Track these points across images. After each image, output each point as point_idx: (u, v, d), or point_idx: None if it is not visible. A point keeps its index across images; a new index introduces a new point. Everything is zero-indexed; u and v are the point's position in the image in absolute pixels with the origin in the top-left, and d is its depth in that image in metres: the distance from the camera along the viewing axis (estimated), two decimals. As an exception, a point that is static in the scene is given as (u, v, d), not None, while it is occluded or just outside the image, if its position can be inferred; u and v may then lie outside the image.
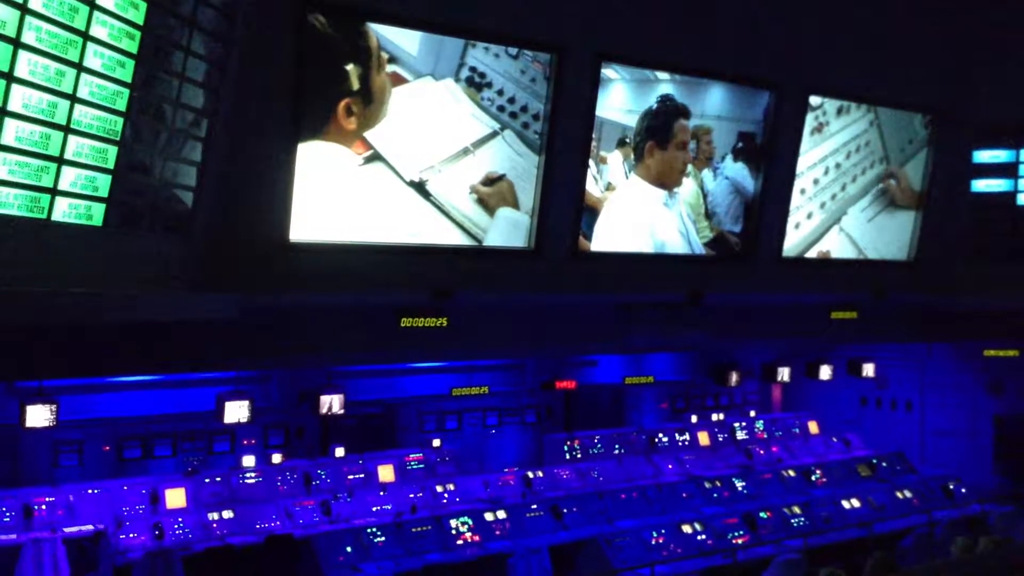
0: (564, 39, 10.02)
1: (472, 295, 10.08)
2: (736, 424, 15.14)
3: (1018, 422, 15.13)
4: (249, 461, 11.67)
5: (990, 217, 13.80)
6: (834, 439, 15.55)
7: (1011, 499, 13.34)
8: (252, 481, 11.22)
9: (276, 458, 11.80)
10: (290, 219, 8.90)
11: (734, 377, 14.28)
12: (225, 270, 8.42)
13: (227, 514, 10.58)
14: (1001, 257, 13.74)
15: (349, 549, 9.96)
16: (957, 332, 14.61)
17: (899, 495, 12.91)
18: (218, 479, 11.05)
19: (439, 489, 11.85)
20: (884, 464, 14.33)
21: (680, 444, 14.37)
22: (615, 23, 10.33)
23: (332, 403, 11.02)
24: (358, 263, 9.46)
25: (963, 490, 13.27)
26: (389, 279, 9.66)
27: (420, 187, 9.64)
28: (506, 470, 12.93)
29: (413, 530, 10.41)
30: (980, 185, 13.81)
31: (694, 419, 15.19)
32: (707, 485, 12.72)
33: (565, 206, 10.57)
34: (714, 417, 15.45)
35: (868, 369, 15.18)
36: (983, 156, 13.78)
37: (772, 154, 12.00)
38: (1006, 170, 13.73)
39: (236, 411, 10.50)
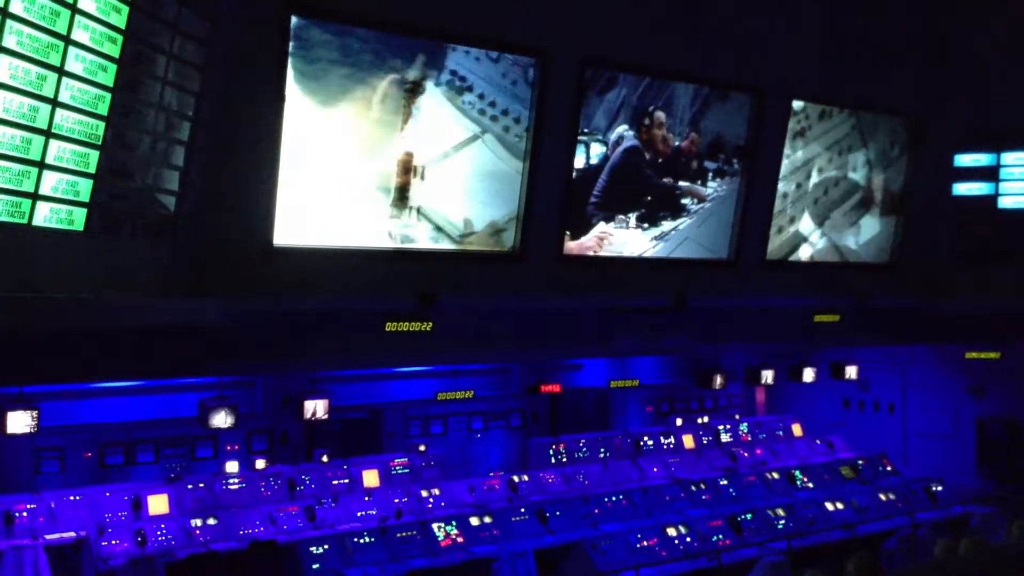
0: (547, 43, 10.03)
1: (457, 299, 10.08)
2: (720, 427, 15.18)
3: (1000, 424, 15.25)
4: (232, 467, 11.61)
5: (971, 220, 13.91)
6: (817, 441, 15.62)
7: (993, 500, 13.43)
8: (236, 487, 11.16)
9: (260, 464, 11.75)
10: (274, 223, 8.87)
11: (718, 380, 14.32)
12: (208, 275, 8.38)
13: (210, 520, 10.52)
14: (982, 260, 13.84)
15: (333, 555, 9.92)
16: (939, 335, 14.71)
17: (882, 497, 12.98)
18: (201, 485, 10.99)
19: (424, 494, 11.82)
20: (867, 466, 14.41)
21: (665, 447, 14.41)
22: (598, 27, 10.36)
23: (316, 408, 10.98)
24: (342, 267, 9.44)
25: (945, 492, 13.35)
26: (374, 283, 9.64)
27: (401, 191, 9.64)
28: (491, 474, 12.93)
29: (398, 535, 10.39)
30: (961, 188, 13.91)
31: (679, 422, 15.23)
32: (692, 488, 12.75)
33: (549, 209, 10.59)
34: (699, 420, 15.50)
35: (851, 372, 15.26)
36: (964, 160, 13.89)
37: (755, 158, 12.06)
38: (987, 173, 13.84)
39: (219, 417, 10.45)
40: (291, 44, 8.56)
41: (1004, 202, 13.80)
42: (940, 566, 6.97)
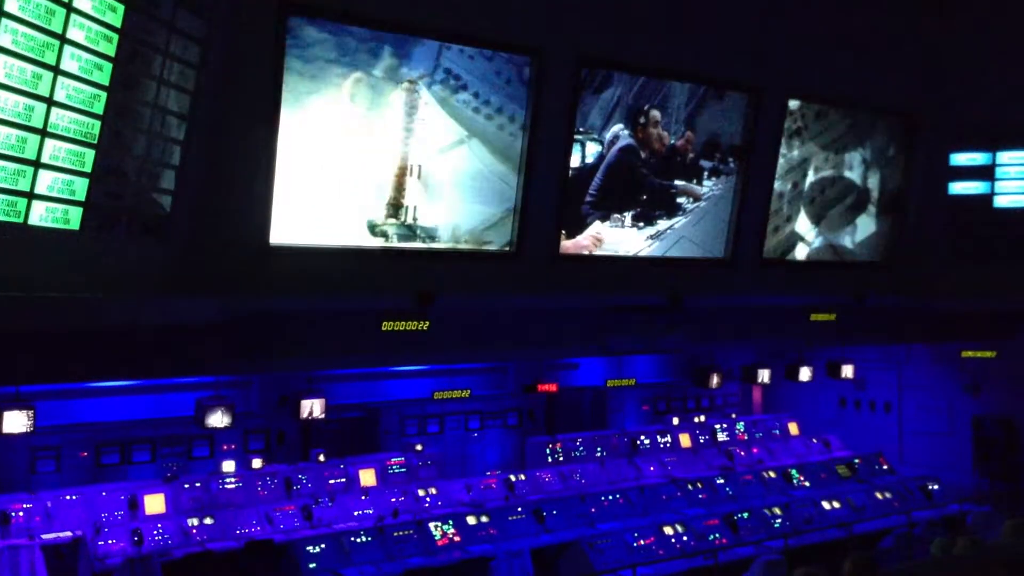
0: (542, 42, 10.03)
1: (453, 298, 10.08)
2: (717, 426, 15.20)
3: (995, 422, 15.28)
4: (229, 466, 11.61)
5: (967, 219, 13.93)
6: (814, 440, 15.64)
7: (989, 499, 13.46)
8: (232, 486, 11.16)
9: (256, 463, 11.75)
10: (270, 222, 8.87)
11: (715, 379, 14.32)
12: (205, 274, 8.37)
13: (207, 520, 10.52)
14: (978, 259, 13.87)
15: (330, 554, 9.92)
16: (935, 334, 14.74)
17: (878, 496, 13.00)
18: (198, 484, 10.99)
19: (421, 493, 11.83)
20: (863, 465, 14.43)
21: (662, 446, 14.42)
22: (594, 26, 10.36)
23: (313, 407, 10.97)
24: (339, 266, 9.43)
25: (941, 490, 13.38)
26: (370, 282, 9.64)
27: (397, 191, 9.64)
28: (488, 473, 12.94)
29: (395, 534, 10.39)
30: (957, 187, 13.93)
31: (676, 421, 15.25)
32: (688, 487, 12.77)
33: (545, 208, 10.59)
34: (695, 419, 15.52)
35: (847, 371, 15.28)
36: (960, 159, 13.91)
37: (751, 157, 12.07)
38: (983, 172, 13.86)
39: (216, 416, 10.44)
40: (288, 42, 8.56)
41: (1000, 201, 13.83)
42: (936, 565, 6.98)
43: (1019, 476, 14.69)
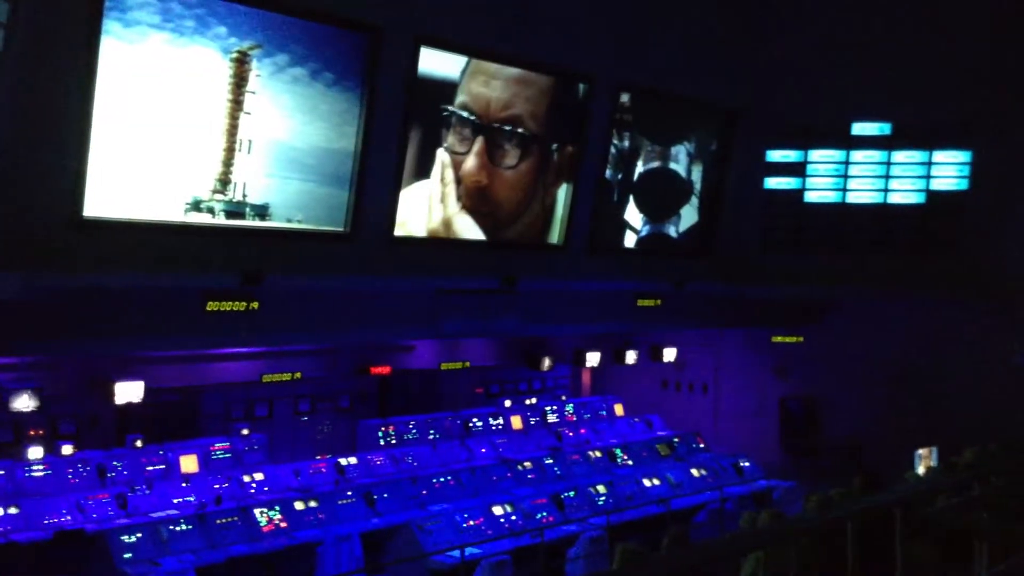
0: (381, 20, 9.88)
1: (284, 278, 9.82)
2: (547, 408, 15.57)
3: (799, 403, 16.42)
4: (36, 453, 10.93)
5: (780, 212, 14.83)
6: (637, 420, 16.28)
7: (793, 475, 14.45)
8: (40, 474, 10.53)
9: (67, 449, 11.13)
10: (85, 193, 8.33)
11: (546, 362, 14.66)
12: (10, 246, 7.81)
13: (12, 510, 9.89)
14: (788, 249, 14.80)
15: (147, 544, 9.50)
16: (747, 319, 15.64)
17: (695, 473, 13.70)
18: (1, 472, 10.27)
19: (246, 479, 11.52)
20: (682, 444, 15.15)
21: (494, 428, 14.63)
22: (434, 5, 10.30)
23: (129, 390, 10.45)
24: (160, 242, 9.00)
25: (752, 467, 14.24)
26: (196, 260, 9.24)
27: (226, 166, 9.28)
28: (318, 457, 12.73)
29: (217, 522, 10.06)
30: (772, 182, 14.79)
31: (508, 403, 15.49)
32: (519, 467, 13.02)
33: (381, 188, 10.47)
34: (527, 401, 15.82)
35: (669, 354, 15.99)
36: (775, 155, 14.76)
37: (581, 149, 12.36)
38: (795, 169, 14.77)
39: (21, 399, 9.79)
40: (106, 3, 8.05)
41: (809, 196, 14.78)
42: (743, 537, 7.41)
43: (820, 453, 15.84)
